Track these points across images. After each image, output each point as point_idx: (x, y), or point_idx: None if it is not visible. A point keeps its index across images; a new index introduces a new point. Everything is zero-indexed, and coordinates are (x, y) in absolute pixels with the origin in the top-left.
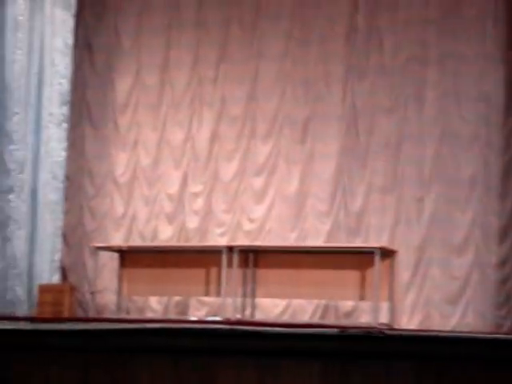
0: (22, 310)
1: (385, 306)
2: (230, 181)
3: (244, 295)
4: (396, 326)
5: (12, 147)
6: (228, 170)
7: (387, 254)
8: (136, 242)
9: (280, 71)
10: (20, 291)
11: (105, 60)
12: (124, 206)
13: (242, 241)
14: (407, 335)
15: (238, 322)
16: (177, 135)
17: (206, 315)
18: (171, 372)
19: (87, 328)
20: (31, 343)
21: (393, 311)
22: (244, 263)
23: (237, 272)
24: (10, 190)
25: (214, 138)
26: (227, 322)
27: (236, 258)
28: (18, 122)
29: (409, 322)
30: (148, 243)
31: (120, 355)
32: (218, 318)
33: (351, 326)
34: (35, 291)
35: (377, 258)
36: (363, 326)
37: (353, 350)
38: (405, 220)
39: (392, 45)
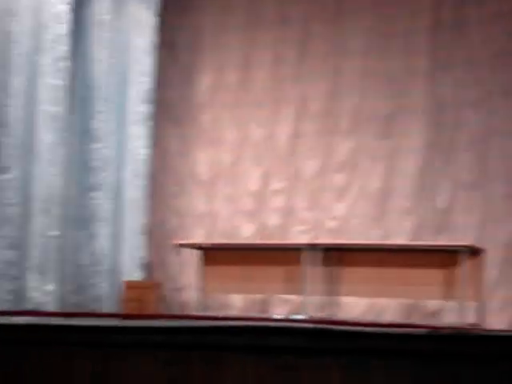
0: (107, 307)
1: (472, 305)
2: (312, 178)
3: (326, 293)
4: (484, 327)
5: (96, 145)
6: (309, 167)
7: (474, 252)
8: (217, 239)
9: (362, 66)
10: (105, 288)
11: (187, 58)
12: (206, 204)
13: (324, 239)
14: (500, 335)
15: (323, 321)
16: (258, 133)
17: (288, 313)
18: (254, 371)
19: (172, 325)
20: (114, 339)
21: (480, 311)
22: (326, 261)
23: (319, 270)
24: (94, 188)
25: (295, 135)
26: (312, 320)
27: (318, 256)
28: (102, 121)
29: (497, 323)
30: (229, 241)
31: (203, 352)
32: (302, 317)
33: (439, 325)
34: (120, 288)
35: (463, 257)
36: (451, 326)
37: (443, 351)
38: (493, 217)
39: (479, 38)
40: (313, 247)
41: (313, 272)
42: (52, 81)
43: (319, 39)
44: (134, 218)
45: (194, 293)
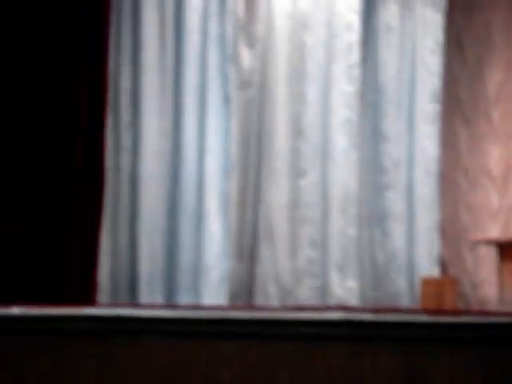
0: (405, 303)
1: None
2: None
3: None
4: None
5: (387, 146)
6: None
7: None
8: None
9: None
10: (402, 284)
11: (475, 55)
12: (499, 199)
13: None
14: None
15: None
16: None
17: None
18: None
19: (476, 321)
20: (419, 334)
21: None
22: None
23: None
24: (387, 187)
25: None
26: None
27: None
28: (392, 122)
29: None
30: None
31: (494, 349)
32: None
33: None
34: (417, 284)
35: None
36: None
37: None
38: None
39: None
40: None
41: None
42: (345, 87)
43: None
44: (427, 216)
45: (492, 289)
